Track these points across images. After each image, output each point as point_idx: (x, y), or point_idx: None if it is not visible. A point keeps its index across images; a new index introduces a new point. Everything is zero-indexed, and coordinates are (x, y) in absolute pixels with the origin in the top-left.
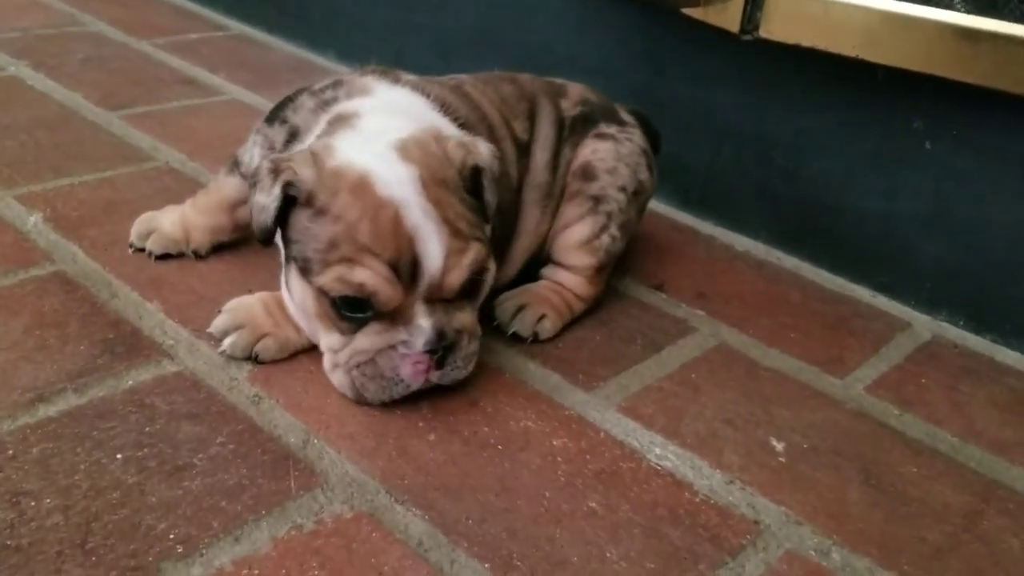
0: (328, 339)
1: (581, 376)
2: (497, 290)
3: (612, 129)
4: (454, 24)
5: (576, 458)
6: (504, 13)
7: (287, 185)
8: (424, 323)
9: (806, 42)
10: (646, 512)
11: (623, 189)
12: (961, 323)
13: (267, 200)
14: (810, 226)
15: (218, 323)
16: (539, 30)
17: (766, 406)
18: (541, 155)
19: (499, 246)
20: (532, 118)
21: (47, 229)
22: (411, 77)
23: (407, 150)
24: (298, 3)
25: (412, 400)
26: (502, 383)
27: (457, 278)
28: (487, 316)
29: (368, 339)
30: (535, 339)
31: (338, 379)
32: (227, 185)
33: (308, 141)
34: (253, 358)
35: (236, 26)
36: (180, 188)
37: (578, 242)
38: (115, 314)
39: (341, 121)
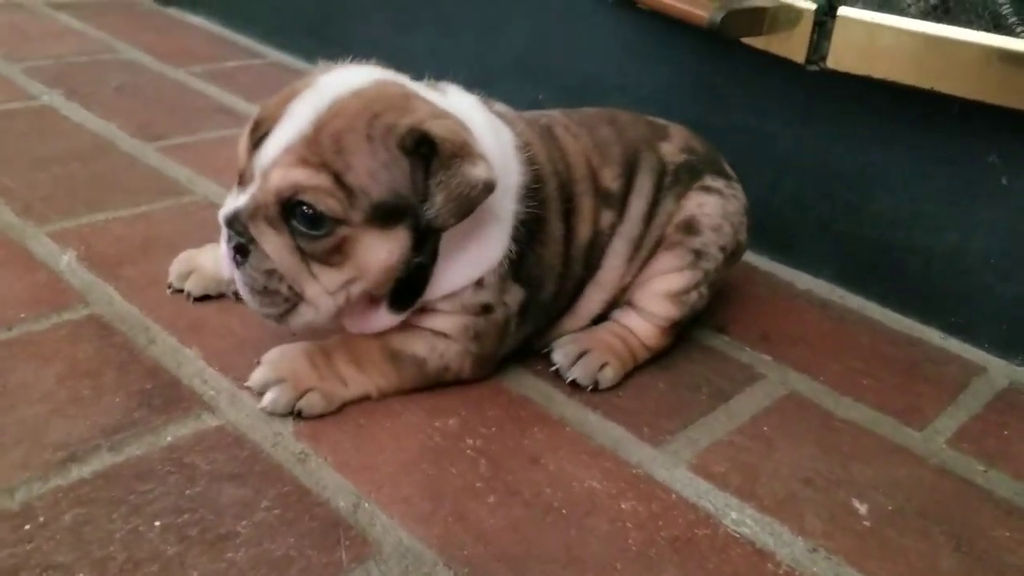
0: None
1: (646, 429)
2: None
3: (719, 183)
4: (499, 52)
5: (647, 523)
6: (552, 41)
7: None
8: (239, 198)
9: (878, 74)
10: None
11: (723, 249)
12: None
13: None
14: (876, 264)
15: (257, 377)
16: (588, 58)
17: (845, 463)
18: (637, 205)
19: (535, 306)
20: (629, 165)
21: (81, 268)
22: (503, 107)
23: (393, 83)
24: (337, 31)
25: (469, 459)
26: (563, 436)
27: (275, 180)
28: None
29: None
30: (595, 388)
31: None
32: None
33: None
34: (296, 414)
35: (273, 54)
36: (217, 223)
37: (668, 292)
38: (153, 361)
39: (431, 86)
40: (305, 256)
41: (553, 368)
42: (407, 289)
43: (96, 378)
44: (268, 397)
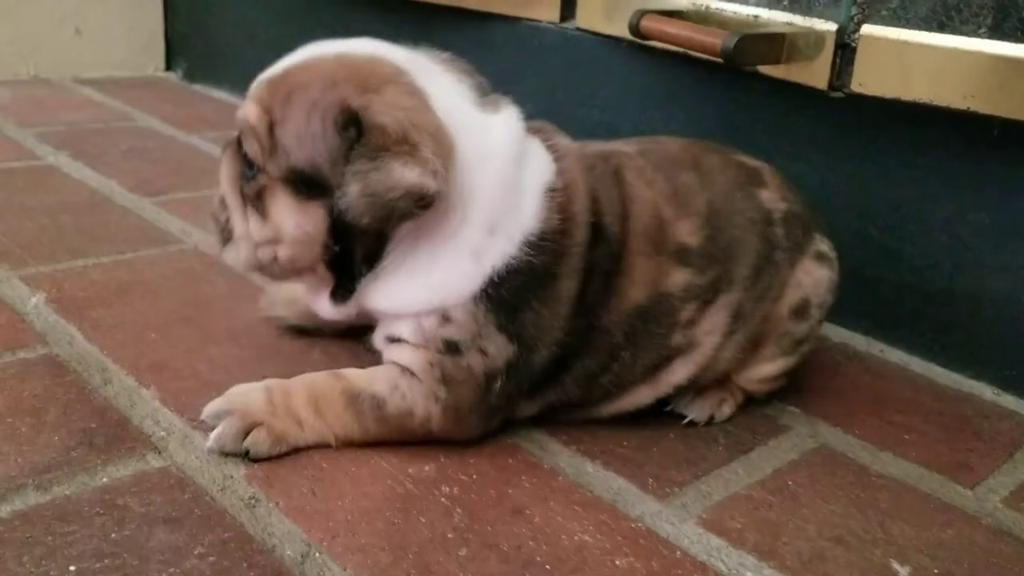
0: None
1: (652, 481)
2: None
3: (826, 247)
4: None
5: None
6: (566, 91)
7: None
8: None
9: (907, 95)
10: None
11: (821, 321)
12: None
13: None
14: (917, 314)
15: (209, 407)
16: (605, 106)
17: (883, 521)
18: (736, 266)
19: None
20: (716, 216)
21: (47, 310)
22: (566, 141)
23: (394, 63)
24: None
25: (442, 507)
26: (554, 487)
27: (240, 112)
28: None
29: None
30: (710, 422)
31: None
32: None
33: None
34: (243, 454)
35: None
36: (204, 270)
37: (762, 378)
38: (104, 401)
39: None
40: (245, 197)
41: (668, 408)
42: (340, 281)
43: (38, 416)
44: (215, 431)
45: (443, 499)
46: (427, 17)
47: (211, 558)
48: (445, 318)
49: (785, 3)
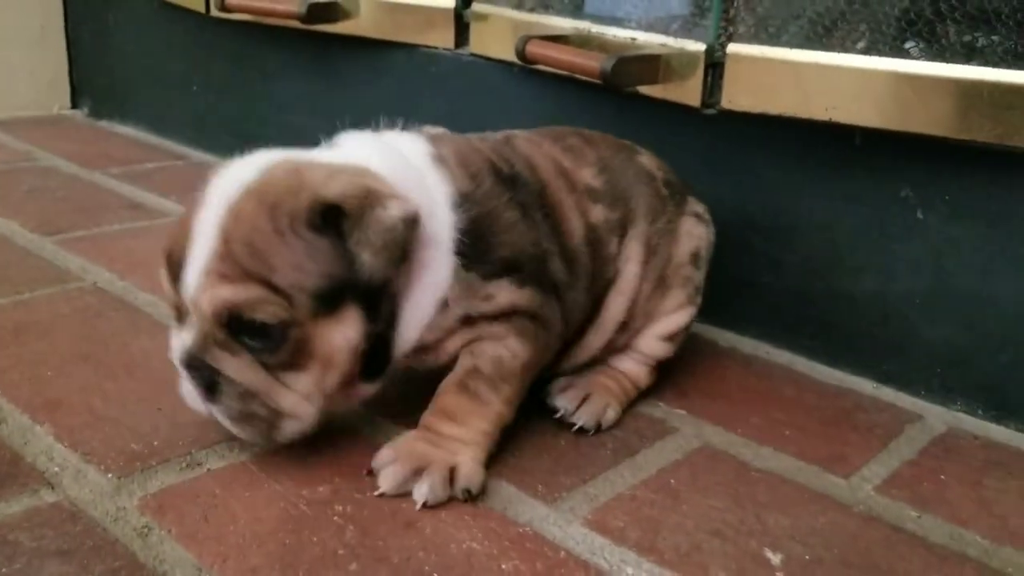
0: None
1: (540, 487)
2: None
3: (701, 209)
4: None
5: None
6: (465, 115)
7: None
8: (183, 336)
9: (773, 109)
10: None
11: (705, 278)
12: (980, 412)
13: None
14: (800, 316)
15: (393, 476)
16: (502, 127)
17: (759, 513)
18: (638, 202)
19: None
20: (608, 167)
21: None
22: (436, 130)
23: (278, 165)
24: (257, 125)
25: (335, 526)
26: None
27: (207, 305)
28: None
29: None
30: (598, 429)
31: None
32: None
33: None
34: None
35: (196, 155)
36: (102, 307)
37: (668, 333)
38: None
39: (331, 144)
40: (271, 369)
41: (557, 415)
42: (373, 356)
43: None
44: (419, 491)
45: (336, 517)
46: (326, 46)
47: None
48: (444, 306)
49: (660, 26)
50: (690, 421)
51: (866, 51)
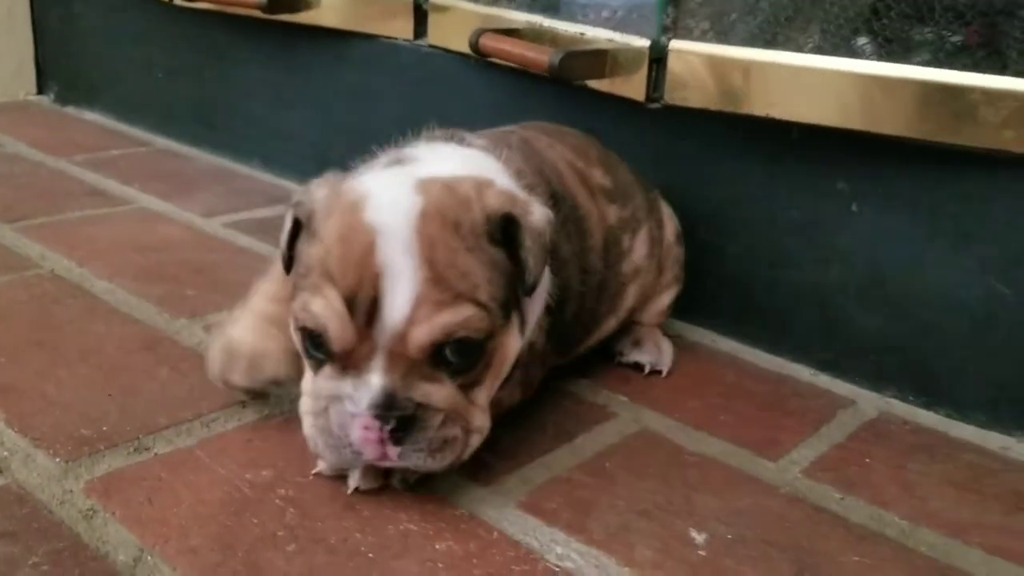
0: (304, 378)
1: (481, 472)
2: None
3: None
4: (379, 118)
5: (461, 563)
6: (426, 105)
7: (296, 205)
8: (375, 379)
9: (714, 105)
10: None
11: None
12: (911, 398)
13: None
14: (743, 305)
15: None
16: (460, 118)
17: (688, 494)
18: (638, 199)
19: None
20: (605, 163)
21: None
22: (474, 137)
23: (427, 183)
24: (222, 114)
25: (276, 508)
26: (389, 484)
27: (424, 335)
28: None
29: (322, 383)
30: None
31: (304, 426)
32: None
33: None
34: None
35: (161, 142)
36: (59, 293)
37: (667, 306)
38: None
39: (396, 162)
40: (463, 388)
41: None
42: None
43: None
44: (353, 478)
45: (278, 500)
46: (288, 35)
47: (44, 567)
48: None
49: (607, 21)
50: (630, 407)
51: (804, 49)
